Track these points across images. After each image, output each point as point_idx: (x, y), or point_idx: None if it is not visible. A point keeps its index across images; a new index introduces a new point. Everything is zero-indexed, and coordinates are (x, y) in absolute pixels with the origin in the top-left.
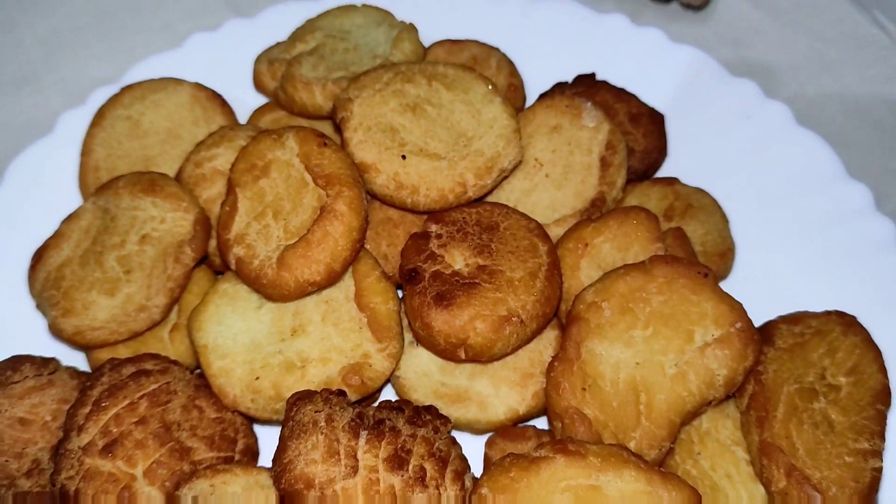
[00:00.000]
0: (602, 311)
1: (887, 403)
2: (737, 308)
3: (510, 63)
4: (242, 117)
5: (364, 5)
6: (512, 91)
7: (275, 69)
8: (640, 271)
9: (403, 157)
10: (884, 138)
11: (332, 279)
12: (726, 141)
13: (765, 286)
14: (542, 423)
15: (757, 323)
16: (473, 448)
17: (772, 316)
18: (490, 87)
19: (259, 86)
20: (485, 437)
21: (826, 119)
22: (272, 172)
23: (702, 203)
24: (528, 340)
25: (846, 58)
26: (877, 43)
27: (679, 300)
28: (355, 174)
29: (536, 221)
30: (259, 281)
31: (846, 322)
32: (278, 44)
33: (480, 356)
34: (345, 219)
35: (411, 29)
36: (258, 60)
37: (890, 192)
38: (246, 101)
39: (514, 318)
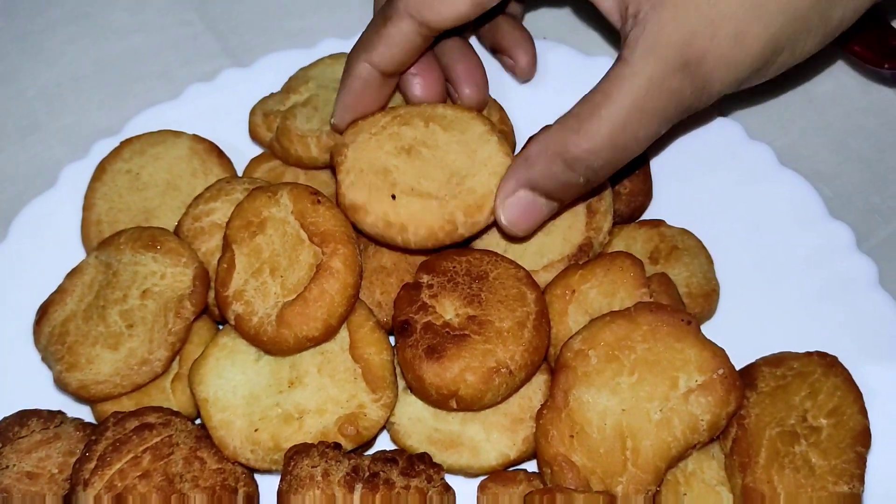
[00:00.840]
0: (589, 359)
1: (867, 445)
2: (719, 354)
3: (500, 109)
4: (240, 165)
5: None
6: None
7: (270, 121)
8: (625, 319)
9: (393, 196)
10: (867, 173)
11: (329, 334)
12: (711, 182)
13: (749, 326)
14: (533, 465)
15: (740, 363)
16: (467, 490)
17: (756, 355)
18: (488, 127)
19: (255, 137)
20: (478, 480)
21: (810, 154)
22: (268, 230)
23: (687, 245)
24: (518, 389)
25: (830, 92)
26: (860, 77)
27: (663, 347)
28: (349, 231)
29: (524, 269)
30: (259, 338)
31: (827, 363)
32: (273, 94)
33: (471, 406)
34: (340, 276)
35: None
36: (253, 112)
37: (874, 227)
38: (243, 149)
39: (502, 370)
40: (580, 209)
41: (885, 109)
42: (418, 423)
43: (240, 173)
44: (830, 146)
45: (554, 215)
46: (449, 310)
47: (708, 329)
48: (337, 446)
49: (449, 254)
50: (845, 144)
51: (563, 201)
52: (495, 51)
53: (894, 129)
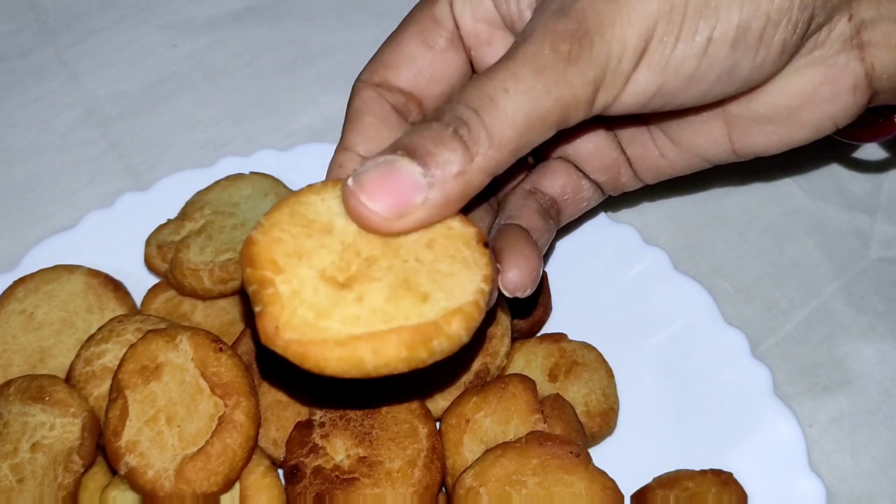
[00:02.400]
0: (480, 496)
1: None
2: (609, 487)
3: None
4: (140, 293)
5: (252, 173)
6: None
7: (164, 252)
8: (515, 453)
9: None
10: (767, 266)
11: (227, 488)
12: (608, 292)
13: (648, 440)
14: None
15: (641, 480)
16: None
17: (656, 470)
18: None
19: (151, 268)
20: None
21: (709, 249)
22: (164, 376)
23: (587, 360)
24: None
25: (728, 184)
26: (759, 168)
27: (553, 481)
28: (251, 381)
29: (419, 401)
30: (154, 493)
31: (722, 481)
32: (169, 222)
33: None
34: (243, 430)
35: None
36: (148, 243)
37: (774, 325)
38: (143, 277)
39: None
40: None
41: (783, 198)
42: None
43: (140, 301)
44: (729, 240)
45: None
46: (340, 451)
47: (607, 445)
48: None
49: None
50: (744, 237)
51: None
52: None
53: (793, 218)
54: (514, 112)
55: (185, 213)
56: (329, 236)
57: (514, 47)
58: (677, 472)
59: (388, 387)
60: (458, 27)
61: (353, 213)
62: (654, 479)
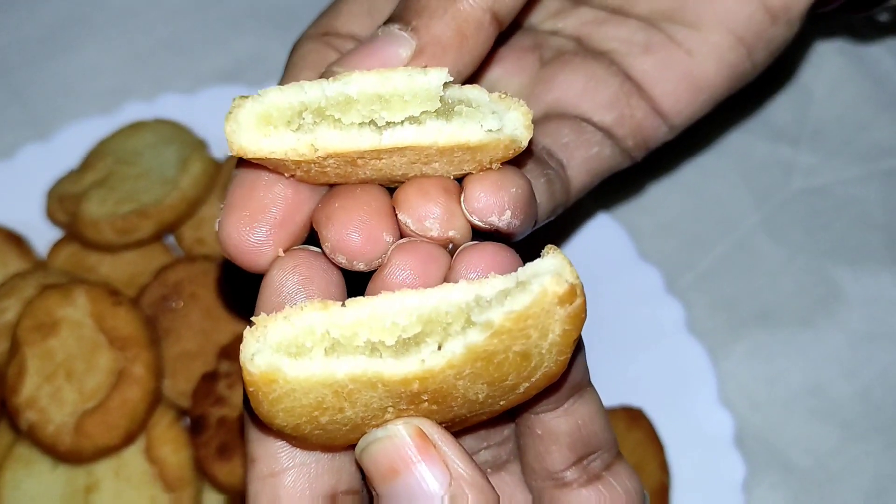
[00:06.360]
0: None
1: (665, 503)
2: None
3: None
4: (46, 246)
5: (156, 120)
6: None
7: (66, 205)
8: None
9: None
10: (690, 199)
11: (129, 442)
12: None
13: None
14: None
15: None
16: None
17: None
18: None
19: (54, 220)
20: None
21: (632, 180)
22: (62, 331)
23: None
24: None
25: None
26: None
27: None
28: (150, 333)
29: None
30: (55, 448)
31: (631, 416)
32: (71, 173)
33: None
34: (143, 383)
35: (201, 147)
36: (49, 196)
37: (692, 261)
38: (47, 230)
39: None
40: None
41: (709, 131)
42: None
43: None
44: (652, 171)
45: None
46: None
47: None
48: None
49: None
50: (667, 168)
51: None
52: None
53: (716, 152)
54: None
55: (87, 163)
56: None
57: None
58: None
59: None
60: None
61: None
62: None
